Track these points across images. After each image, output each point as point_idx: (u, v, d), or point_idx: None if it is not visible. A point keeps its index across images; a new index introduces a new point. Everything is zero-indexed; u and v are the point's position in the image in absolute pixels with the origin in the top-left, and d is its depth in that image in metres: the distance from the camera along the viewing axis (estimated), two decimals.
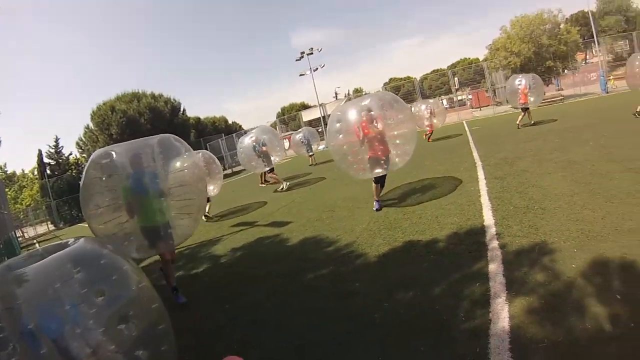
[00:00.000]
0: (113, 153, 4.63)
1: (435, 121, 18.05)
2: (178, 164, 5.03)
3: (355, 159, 6.67)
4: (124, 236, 4.63)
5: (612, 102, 19.57)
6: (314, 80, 40.50)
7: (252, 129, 15.24)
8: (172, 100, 36.15)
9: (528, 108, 14.92)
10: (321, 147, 25.23)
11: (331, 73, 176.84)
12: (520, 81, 15.22)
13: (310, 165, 18.69)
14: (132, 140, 4.91)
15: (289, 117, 53.05)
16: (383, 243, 5.22)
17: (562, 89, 36.29)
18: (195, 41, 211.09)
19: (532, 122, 15.05)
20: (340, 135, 6.80)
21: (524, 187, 6.35)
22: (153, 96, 35.01)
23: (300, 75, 41.45)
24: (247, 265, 5.89)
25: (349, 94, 71.62)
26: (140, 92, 35.04)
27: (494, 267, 3.84)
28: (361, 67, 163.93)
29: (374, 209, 6.96)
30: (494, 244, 4.38)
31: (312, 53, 39.01)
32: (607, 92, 27.13)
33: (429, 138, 17.60)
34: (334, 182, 11.72)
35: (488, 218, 5.25)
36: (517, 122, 14.95)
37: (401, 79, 67.31)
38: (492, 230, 4.78)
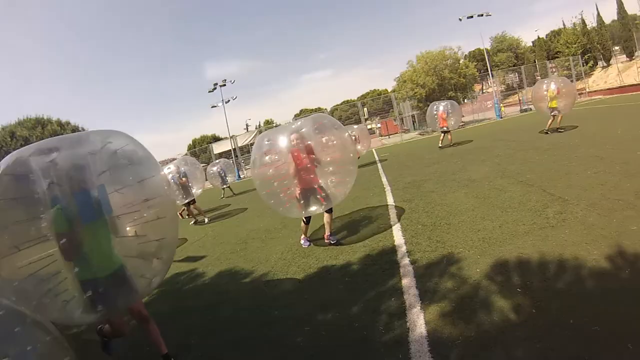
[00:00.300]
0: (33, 160, 2.91)
1: (360, 147, 18.00)
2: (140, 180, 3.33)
3: (286, 193, 5.68)
4: (57, 290, 2.85)
5: (504, 126, 22.41)
6: (226, 112, 40.59)
7: (168, 160, 14.77)
8: (79, 129, 33.54)
9: (448, 130, 16.52)
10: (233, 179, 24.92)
11: (243, 105, 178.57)
12: (438, 107, 16.69)
13: (221, 197, 18.50)
14: (66, 137, 3.30)
15: (200, 149, 52.16)
16: (298, 270, 5.31)
17: (463, 116, 40.06)
18: (107, 69, 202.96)
19: (452, 143, 16.65)
20: (271, 170, 5.77)
21: (430, 207, 6.89)
22: (59, 123, 32.53)
23: (212, 107, 41.34)
24: (164, 304, 5.62)
25: (259, 125, 72.25)
26: (45, 117, 32.53)
27: (407, 282, 4.10)
28: (273, 99, 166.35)
29: (304, 245, 6.32)
30: (405, 260, 4.67)
31: (224, 85, 39.21)
32: (501, 117, 31.77)
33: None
34: (246, 213, 11.72)
35: (398, 238, 5.59)
36: (439, 144, 16.72)
37: (312, 110, 69.17)
38: (402, 249, 5.09)
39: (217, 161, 20.83)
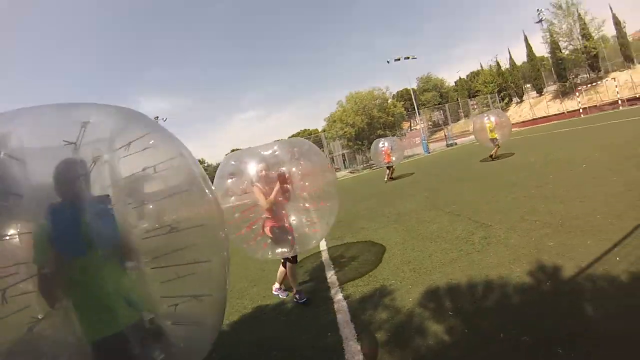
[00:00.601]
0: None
1: (394, 159, 17.75)
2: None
3: (251, 229, 4.82)
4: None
5: (432, 160, 23.73)
6: None
7: None
8: None
9: (392, 166, 17.14)
10: None
11: None
12: (383, 144, 17.13)
13: None
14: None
15: None
16: (233, 312, 5.13)
17: (405, 151, 42.33)
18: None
19: (392, 177, 17.22)
20: (232, 198, 4.79)
21: (361, 242, 7.07)
22: None
23: None
24: None
25: None
26: None
27: (342, 316, 4.13)
28: (203, 139, 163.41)
29: (280, 295, 5.29)
30: (339, 296, 4.72)
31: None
32: (429, 152, 33.79)
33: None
34: None
35: (330, 275, 5.66)
36: (385, 179, 17.12)
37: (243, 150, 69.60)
38: (335, 285, 5.15)
39: None
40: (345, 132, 34.66)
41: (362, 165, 36.49)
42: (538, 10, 47.80)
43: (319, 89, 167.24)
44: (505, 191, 8.21)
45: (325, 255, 6.86)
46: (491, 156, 14.67)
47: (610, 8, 43.04)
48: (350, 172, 35.00)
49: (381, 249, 6.31)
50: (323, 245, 7.54)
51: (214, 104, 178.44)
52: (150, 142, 2.06)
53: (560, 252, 4.38)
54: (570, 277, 3.75)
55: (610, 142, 11.44)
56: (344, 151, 40.43)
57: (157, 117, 38.55)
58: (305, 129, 78.43)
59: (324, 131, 39.99)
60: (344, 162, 42.85)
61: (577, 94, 35.07)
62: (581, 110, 33.25)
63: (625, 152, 9.22)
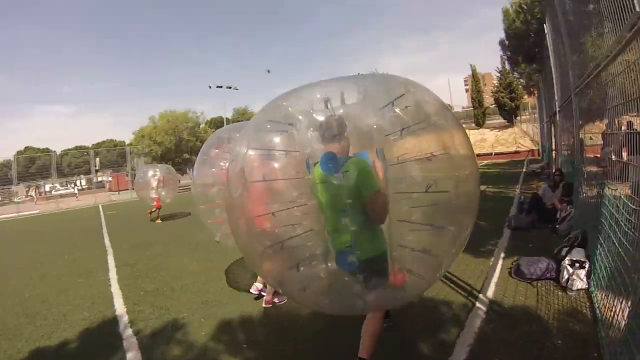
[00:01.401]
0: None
1: (163, 193, 14.29)
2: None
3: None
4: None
5: None
6: None
7: None
8: None
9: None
10: None
11: None
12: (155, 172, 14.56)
13: None
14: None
15: None
16: (4, 358, 4.44)
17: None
18: None
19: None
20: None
21: (155, 271, 6.78)
22: None
23: None
24: None
25: None
26: None
27: (132, 355, 3.86)
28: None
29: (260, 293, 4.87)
30: (129, 331, 4.40)
31: None
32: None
33: (157, 217, 13.81)
34: None
35: (120, 307, 5.24)
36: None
37: (39, 150, 62.03)
38: (125, 319, 4.78)
39: None
40: (151, 149, 32.90)
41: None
42: (358, 73, 53.81)
43: (136, 98, 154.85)
44: None
45: (115, 284, 6.31)
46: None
47: None
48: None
49: (174, 279, 6.17)
50: (113, 272, 7.03)
51: (20, 88, 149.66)
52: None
53: None
54: None
55: None
56: None
57: None
58: (112, 139, 72.50)
59: (131, 145, 37.29)
60: None
61: None
62: None
63: None
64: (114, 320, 4.83)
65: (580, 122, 6.48)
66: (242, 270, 6.19)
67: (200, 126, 37.80)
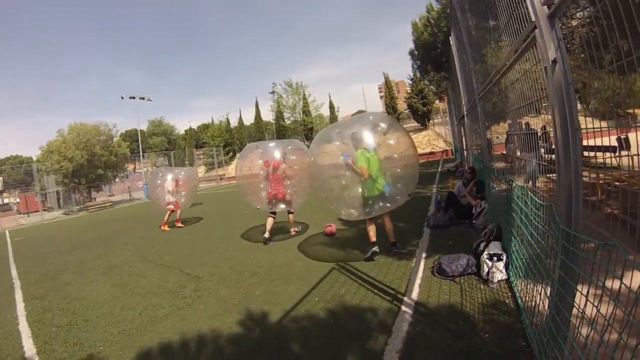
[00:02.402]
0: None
1: (183, 195, 13.24)
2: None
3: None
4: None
5: (151, 206, 22.37)
6: None
7: None
8: None
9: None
10: None
11: None
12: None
13: None
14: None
15: None
16: None
17: (113, 195, 39.59)
18: None
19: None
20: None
21: (66, 303, 6.15)
22: None
23: None
24: None
25: None
26: None
27: None
28: None
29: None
30: None
31: None
32: (149, 198, 31.05)
33: (176, 221, 12.80)
34: None
35: (29, 347, 4.67)
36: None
37: None
38: None
39: None
40: (61, 166, 30.45)
41: (78, 207, 32.36)
42: (274, 83, 57.20)
43: (43, 109, 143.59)
44: (217, 243, 8.74)
45: (22, 321, 5.63)
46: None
47: (329, 95, 58.97)
48: (65, 214, 30.05)
49: (88, 310, 5.65)
50: (20, 308, 6.29)
51: None
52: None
53: (267, 299, 4.94)
54: (276, 320, 4.26)
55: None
56: (59, 188, 35.26)
57: None
58: (17, 155, 67.29)
59: (38, 161, 34.55)
60: (58, 201, 37.28)
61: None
62: None
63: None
64: None
65: (487, 124, 6.83)
66: (161, 290, 5.95)
67: (114, 139, 35.76)
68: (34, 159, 39.16)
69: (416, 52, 21.07)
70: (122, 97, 39.50)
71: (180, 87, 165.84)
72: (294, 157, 8.77)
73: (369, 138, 6.03)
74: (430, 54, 19.09)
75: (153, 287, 6.14)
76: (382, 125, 6.27)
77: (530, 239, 3.42)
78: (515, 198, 4.14)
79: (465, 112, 11.24)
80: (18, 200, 40.35)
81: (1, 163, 59.47)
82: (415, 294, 4.51)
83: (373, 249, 6.09)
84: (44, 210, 32.77)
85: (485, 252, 4.79)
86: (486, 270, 4.61)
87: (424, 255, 5.98)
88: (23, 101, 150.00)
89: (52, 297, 6.64)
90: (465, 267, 4.83)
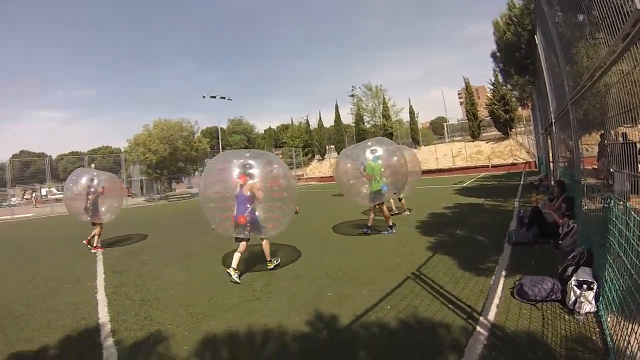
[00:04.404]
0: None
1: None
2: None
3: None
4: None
5: None
6: None
7: None
8: None
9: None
10: None
11: None
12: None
13: None
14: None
15: None
16: None
17: (192, 187, 41.92)
18: None
19: None
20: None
21: (141, 280, 6.61)
22: None
23: None
24: None
25: None
26: None
27: None
28: None
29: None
30: (109, 341, 4.25)
31: None
32: None
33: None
34: None
35: (103, 315, 5.10)
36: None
37: (34, 154, 64.10)
38: (107, 328, 4.64)
39: None
40: (146, 157, 32.73)
41: (159, 195, 34.77)
42: (353, 86, 56.25)
43: (130, 107, 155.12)
44: (295, 241, 8.79)
45: (101, 292, 6.18)
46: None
47: (409, 100, 57.49)
48: (146, 201, 33.09)
49: (160, 289, 6.02)
50: (101, 279, 6.90)
51: (13, 91, 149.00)
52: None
53: (338, 301, 4.86)
54: (346, 325, 4.14)
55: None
56: (143, 177, 38.13)
57: None
58: (107, 146, 72.91)
59: (126, 152, 37.30)
60: (141, 189, 40.42)
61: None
62: None
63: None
64: (97, 329, 4.70)
65: (579, 133, 6.30)
66: (225, 286, 6.02)
67: (195, 135, 37.63)
68: (122, 149, 42.09)
69: (498, 54, 19.68)
70: (204, 97, 41.85)
71: (260, 88, 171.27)
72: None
73: (368, 155, 9.23)
74: (513, 55, 17.78)
75: (225, 277, 6.24)
76: (376, 148, 9.34)
77: (630, 267, 3.05)
78: (614, 219, 3.72)
79: (553, 120, 10.53)
80: (106, 184, 43.76)
81: (93, 152, 64.77)
82: (492, 315, 4.16)
83: (365, 230, 9.36)
84: (128, 196, 35.27)
85: (573, 278, 4.29)
86: (573, 298, 4.11)
87: (503, 273, 5.53)
88: (114, 97, 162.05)
89: (129, 274, 7.17)
90: (550, 292, 4.36)
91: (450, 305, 4.48)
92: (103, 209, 10.35)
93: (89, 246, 9.98)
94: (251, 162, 6.54)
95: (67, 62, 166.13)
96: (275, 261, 6.76)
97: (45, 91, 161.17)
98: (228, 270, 6.13)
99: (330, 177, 42.97)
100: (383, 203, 9.34)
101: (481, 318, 4.08)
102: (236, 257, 6.27)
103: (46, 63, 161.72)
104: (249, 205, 6.30)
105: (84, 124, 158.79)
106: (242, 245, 6.44)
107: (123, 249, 9.90)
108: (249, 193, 6.29)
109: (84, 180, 10.23)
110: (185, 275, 6.71)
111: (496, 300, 4.53)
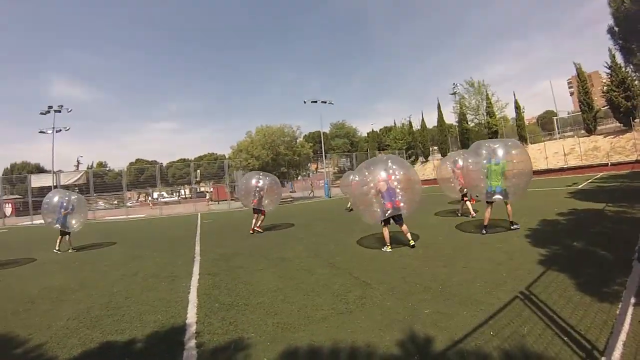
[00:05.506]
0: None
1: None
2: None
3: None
4: None
5: (330, 205, 23.64)
6: (54, 143, 38.89)
7: None
8: None
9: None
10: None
11: (78, 138, 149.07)
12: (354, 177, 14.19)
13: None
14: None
15: (18, 177, 45.76)
16: (78, 344, 4.40)
17: (294, 191, 43.13)
18: None
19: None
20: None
21: (234, 284, 6.50)
22: None
23: (40, 132, 37.73)
24: None
25: (92, 166, 65.87)
26: None
27: None
28: (110, 140, 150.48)
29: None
30: (192, 343, 4.17)
31: (60, 110, 36.52)
32: (330, 197, 34.69)
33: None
34: (42, 267, 9.81)
35: (191, 315, 5.07)
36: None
37: (147, 161, 69.63)
38: (192, 329, 4.58)
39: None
40: (249, 163, 34.06)
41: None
42: (454, 84, 53.88)
43: (234, 114, 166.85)
44: (393, 249, 8.26)
45: (193, 292, 6.21)
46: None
47: (514, 94, 53.87)
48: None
49: (251, 294, 5.83)
50: (194, 280, 6.95)
51: (130, 105, 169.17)
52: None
53: (435, 320, 4.25)
54: (441, 350, 3.57)
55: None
56: None
57: (61, 107, 36.91)
58: (212, 153, 78.17)
59: (230, 158, 39.31)
60: None
61: None
62: None
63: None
64: (183, 328, 4.71)
65: None
66: (325, 290, 5.70)
67: (297, 140, 38.43)
68: (226, 156, 44.50)
69: (616, 29, 16.86)
70: (305, 102, 42.37)
71: (362, 91, 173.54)
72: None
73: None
74: (635, 26, 15.23)
75: (318, 286, 5.97)
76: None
77: None
78: None
79: None
80: (211, 189, 47.24)
81: (199, 159, 69.74)
82: (617, 355, 3.26)
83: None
84: (232, 200, 36.99)
85: None
86: None
87: (632, 300, 4.40)
88: (218, 108, 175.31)
89: (223, 276, 7.13)
90: None
91: (565, 338, 3.63)
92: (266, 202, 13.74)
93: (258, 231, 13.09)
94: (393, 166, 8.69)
95: (178, 76, 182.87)
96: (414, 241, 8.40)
97: (159, 104, 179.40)
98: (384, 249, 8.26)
99: (434, 179, 41.44)
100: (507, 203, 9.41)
101: (603, 359, 3.25)
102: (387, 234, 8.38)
103: (161, 78, 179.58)
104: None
105: (192, 133, 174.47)
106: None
107: (219, 251, 10.02)
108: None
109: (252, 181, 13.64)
110: (277, 282, 6.47)
111: (623, 336, 3.58)
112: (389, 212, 8.22)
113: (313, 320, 4.56)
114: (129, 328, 4.84)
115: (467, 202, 12.31)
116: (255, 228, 13.23)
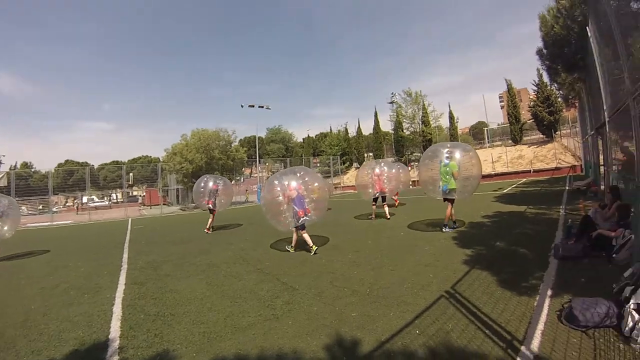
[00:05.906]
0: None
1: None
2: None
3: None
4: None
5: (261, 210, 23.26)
6: None
7: None
8: None
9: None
10: None
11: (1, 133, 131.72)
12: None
13: None
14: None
15: None
16: None
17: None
18: None
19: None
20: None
21: (160, 293, 6.38)
22: None
23: None
24: None
25: (14, 167, 61.43)
26: None
27: None
28: (38, 138, 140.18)
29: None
30: (114, 359, 4.06)
31: None
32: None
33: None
34: None
35: (115, 329, 4.90)
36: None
37: (78, 163, 67.19)
38: (115, 344, 4.42)
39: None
40: (182, 167, 33.54)
41: (193, 204, 35.56)
42: (392, 93, 55.38)
43: (172, 117, 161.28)
44: (322, 253, 8.46)
45: (118, 304, 6.01)
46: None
47: (449, 105, 56.56)
48: (181, 209, 33.94)
49: (177, 304, 5.76)
50: (120, 290, 6.74)
51: (62, 100, 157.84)
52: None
53: (362, 323, 4.43)
54: (367, 352, 3.73)
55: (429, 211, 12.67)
56: (179, 186, 39.19)
57: None
58: (147, 156, 75.80)
59: (163, 162, 38.25)
60: (177, 197, 41.45)
61: (410, 168, 39.43)
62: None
63: (441, 221, 10.37)
64: (105, 344, 4.53)
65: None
66: (252, 297, 5.75)
67: (232, 145, 38.29)
68: (160, 159, 43.35)
69: (545, 51, 18.65)
70: (242, 106, 41.95)
71: (300, 96, 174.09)
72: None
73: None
74: (561, 51, 16.80)
75: (245, 292, 6.01)
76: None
77: None
78: None
79: (606, 119, 9.73)
80: (144, 194, 45.77)
81: (133, 161, 67.40)
82: (535, 344, 3.59)
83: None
84: (164, 204, 36.42)
85: (632, 301, 3.72)
86: (630, 324, 3.54)
87: (549, 292, 4.89)
88: (154, 110, 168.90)
89: (150, 285, 6.98)
90: (604, 317, 3.78)
91: (487, 331, 3.96)
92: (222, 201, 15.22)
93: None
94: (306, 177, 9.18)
95: (112, 75, 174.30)
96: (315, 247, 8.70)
97: (90, 103, 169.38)
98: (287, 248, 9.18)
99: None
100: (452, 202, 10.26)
101: (523, 348, 3.57)
102: (307, 238, 8.87)
103: (94, 76, 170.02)
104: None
105: (128, 135, 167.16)
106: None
107: (147, 259, 9.75)
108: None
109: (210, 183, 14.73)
110: (205, 289, 6.44)
111: (540, 326, 3.97)
112: (301, 219, 8.69)
113: (240, 328, 4.60)
114: (46, 348, 4.55)
115: (385, 206, 13.86)
116: (209, 227, 14.35)
